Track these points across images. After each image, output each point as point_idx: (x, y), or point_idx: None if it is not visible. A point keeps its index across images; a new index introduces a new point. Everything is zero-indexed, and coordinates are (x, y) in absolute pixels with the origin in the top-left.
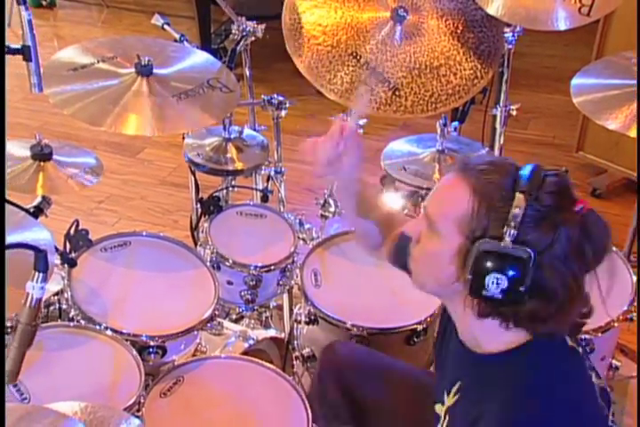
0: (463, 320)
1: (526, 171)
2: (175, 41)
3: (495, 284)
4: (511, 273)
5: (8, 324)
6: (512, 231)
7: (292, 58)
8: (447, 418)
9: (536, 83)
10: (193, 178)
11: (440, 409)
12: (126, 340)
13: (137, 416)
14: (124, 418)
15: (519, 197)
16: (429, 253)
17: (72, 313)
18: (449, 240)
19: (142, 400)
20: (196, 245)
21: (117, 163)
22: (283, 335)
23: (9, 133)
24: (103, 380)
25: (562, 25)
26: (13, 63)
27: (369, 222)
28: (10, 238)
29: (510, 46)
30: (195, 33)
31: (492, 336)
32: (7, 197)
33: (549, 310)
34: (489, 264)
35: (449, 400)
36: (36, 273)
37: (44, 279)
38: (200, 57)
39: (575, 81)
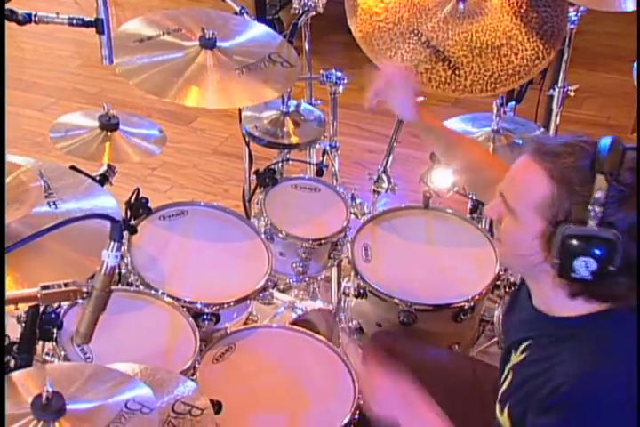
0: (549, 297)
1: (604, 149)
2: (235, 13)
3: (584, 267)
4: (599, 255)
5: (84, 289)
6: (596, 214)
7: (353, 33)
8: (511, 374)
9: (593, 61)
10: (247, 149)
11: (506, 366)
12: (182, 306)
13: (192, 380)
14: (182, 381)
15: (600, 178)
16: (512, 237)
17: (131, 278)
18: (530, 225)
19: (197, 365)
20: (247, 215)
21: (171, 131)
22: (330, 307)
23: (67, 98)
24: (160, 344)
25: (629, 6)
26: (72, 30)
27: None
28: (79, 205)
29: (573, 26)
30: (249, 3)
31: (575, 308)
32: (75, 164)
33: (635, 285)
34: (576, 248)
35: (515, 358)
36: (112, 242)
37: (119, 248)
38: (260, 30)
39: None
